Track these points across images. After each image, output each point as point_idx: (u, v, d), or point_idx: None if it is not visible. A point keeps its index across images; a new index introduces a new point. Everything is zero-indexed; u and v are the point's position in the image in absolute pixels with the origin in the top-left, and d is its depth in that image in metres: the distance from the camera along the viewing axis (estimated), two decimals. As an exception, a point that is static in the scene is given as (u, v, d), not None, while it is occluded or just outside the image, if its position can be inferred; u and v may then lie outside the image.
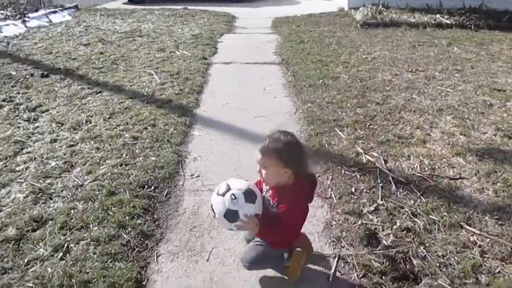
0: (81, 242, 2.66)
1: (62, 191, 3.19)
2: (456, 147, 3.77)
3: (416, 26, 9.08)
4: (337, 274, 2.43)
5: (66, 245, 2.63)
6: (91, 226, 2.80)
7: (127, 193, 3.14)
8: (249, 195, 2.11)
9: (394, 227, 2.77)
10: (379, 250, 2.56)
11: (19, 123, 4.33)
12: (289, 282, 2.36)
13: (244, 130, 4.27)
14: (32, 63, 6.34)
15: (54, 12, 10.95)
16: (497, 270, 2.40)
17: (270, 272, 2.40)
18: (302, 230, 2.73)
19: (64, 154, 3.70)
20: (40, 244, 2.65)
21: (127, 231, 2.76)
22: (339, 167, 3.50)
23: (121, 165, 3.54)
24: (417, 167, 3.48)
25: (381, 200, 3.05)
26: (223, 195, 2.11)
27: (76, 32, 8.65)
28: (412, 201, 3.04)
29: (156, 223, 2.90)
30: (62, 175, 3.41)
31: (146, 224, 2.86)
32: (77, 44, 7.59)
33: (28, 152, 3.75)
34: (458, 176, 3.35)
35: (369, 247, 2.59)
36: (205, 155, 3.79)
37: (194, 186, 3.32)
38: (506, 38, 8.13)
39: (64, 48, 7.27)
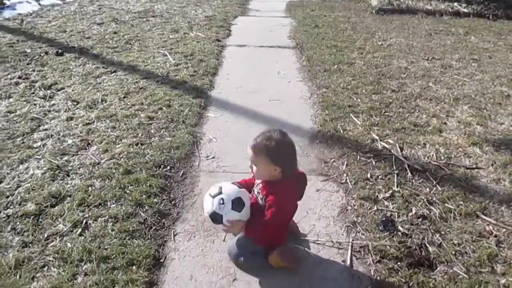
0: (99, 219, 2.70)
1: (79, 168, 3.22)
2: (473, 137, 3.75)
3: (432, 14, 8.93)
4: (353, 258, 2.45)
5: (84, 221, 2.67)
6: (108, 203, 2.84)
7: (144, 172, 3.17)
8: (237, 203, 2.19)
9: (410, 214, 2.77)
10: (395, 236, 2.57)
11: (35, 100, 4.35)
12: (304, 265, 2.39)
13: (259, 113, 4.27)
14: (46, 41, 6.33)
15: (67, -10, 10.87)
16: (513, 260, 2.41)
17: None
18: (316, 214, 2.77)
19: (81, 132, 3.73)
20: (59, 219, 2.69)
21: (144, 210, 2.79)
22: (355, 153, 3.50)
23: (137, 144, 3.56)
24: (433, 155, 3.47)
25: (397, 187, 3.05)
26: (213, 197, 2.21)
27: (89, 11, 8.61)
28: (427, 189, 3.04)
29: (172, 202, 2.93)
30: (79, 152, 3.44)
31: (162, 203, 2.89)
32: (91, 23, 7.56)
33: (45, 129, 3.78)
34: (474, 166, 3.33)
35: (385, 232, 2.59)
36: (220, 137, 3.80)
37: (210, 168, 3.34)
38: (525, 28, 7.99)
39: (77, 26, 7.25)
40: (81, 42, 6.35)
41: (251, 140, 2.21)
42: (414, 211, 2.79)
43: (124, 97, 4.47)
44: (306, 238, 2.59)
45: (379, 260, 2.41)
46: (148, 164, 3.27)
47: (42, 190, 2.95)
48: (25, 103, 4.28)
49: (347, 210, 2.85)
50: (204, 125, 4.03)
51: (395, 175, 3.19)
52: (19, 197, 2.88)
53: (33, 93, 4.53)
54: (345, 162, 3.38)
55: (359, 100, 4.53)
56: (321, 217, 2.79)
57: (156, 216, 2.76)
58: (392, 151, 3.51)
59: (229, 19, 8.39)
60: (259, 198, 2.28)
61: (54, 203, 2.84)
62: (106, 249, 2.45)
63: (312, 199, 2.96)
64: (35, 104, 4.25)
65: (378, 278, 2.30)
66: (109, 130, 3.78)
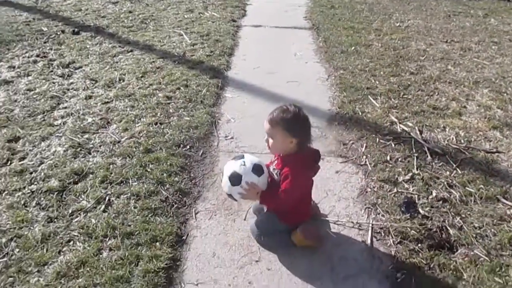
0: (122, 196, 2.74)
1: (100, 146, 3.26)
2: (493, 121, 3.71)
3: (451, -5, 8.75)
4: (373, 239, 2.46)
5: (107, 198, 2.71)
6: (130, 181, 2.87)
7: (164, 151, 3.19)
8: (257, 168, 2.26)
9: (430, 197, 2.77)
10: (416, 218, 2.57)
11: (54, 78, 4.38)
12: (325, 245, 2.42)
13: (276, 94, 4.25)
14: (62, 20, 6.32)
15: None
16: (534, 244, 2.41)
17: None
18: (336, 195, 2.78)
19: (100, 111, 3.76)
20: (83, 196, 2.74)
21: (165, 188, 2.82)
22: (374, 135, 3.48)
23: (156, 123, 3.58)
24: (452, 138, 3.45)
25: (417, 169, 3.05)
26: (235, 159, 2.31)
27: (103, -11, 8.56)
28: (448, 172, 3.03)
29: (193, 181, 2.95)
30: (99, 131, 3.47)
31: (183, 182, 2.92)
32: (106, 2, 7.51)
33: (65, 108, 3.81)
34: (494, 150, 3.31)
35: (406, 214, 2.60)
36: (238, 117, 3.80)
37: (229, 148, 3.35)
38: (546, 10, 7.81)
39: (93, 5, 7.22)
40: (96, 21, 6.34)
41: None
42: (434, 194, 2.79)
43: (142, 77, 4.48)
44: (327, 218, 2.61)
45: (400, 241, 2.43)
46: (167, 143, 3.29)
47: (65, 167, 2.99)
48: (44, 81, 4.30)
49: (366, 192, 2.86)
50: (222, 105, 4.03)
51: (415, 158, 3.18)
52: (42, 173, 2.93)
53: (52, 71, 4.55)
54: (364, 144, 3.37)
55: (377, 82, 4.49)
56: (341, 198, 2.80)
57: (177, 194, 2.79)
58: (411, 134, 3.50)
59: (244, -1, 8.29)
60: (274, 174, 2.32)
61: (76, 180, 2.88)
62: (130, 225, 2.49)
63: (331, 181, 2.97)
64: (54, 83, 4.28)
65: (399, 259, 2.31)
66: (128, 109, 3.80)
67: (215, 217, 2.63)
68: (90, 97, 4.01)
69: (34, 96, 3.98)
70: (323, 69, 4.94)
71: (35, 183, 2.84)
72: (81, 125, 3.51)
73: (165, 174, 2.94)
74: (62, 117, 3.65)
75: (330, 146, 3.37)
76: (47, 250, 2.32)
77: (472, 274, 2.20)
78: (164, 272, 2.20)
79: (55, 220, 2.54)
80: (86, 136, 3.38)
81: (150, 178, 2.89)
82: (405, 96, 4.19)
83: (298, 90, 4.38)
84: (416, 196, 2.78)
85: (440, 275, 2.20)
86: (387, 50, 5.46)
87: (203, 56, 5.08)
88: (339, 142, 3.43)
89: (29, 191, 2.76)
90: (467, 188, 2.86)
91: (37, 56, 4.91)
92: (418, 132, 3.51)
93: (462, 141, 3.42)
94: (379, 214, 2.65)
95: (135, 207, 2.64)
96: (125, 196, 2.74)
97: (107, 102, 3.92)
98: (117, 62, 4.85)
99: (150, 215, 2.58)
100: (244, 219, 2.61)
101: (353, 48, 5.48)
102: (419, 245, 2.39)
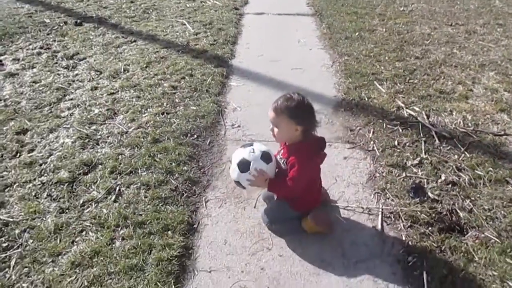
0: (132, 186, 2.75)
1: (108, 137, 3.27)
2: (500, 103, 3.70)
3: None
4: (384, 224, 2.47)
5: (117, 188, 2.73)
6: (139, 171, 2.88)
7: (171, 140, 3.20)
8: (266, 156, 2.27)
9: (439, 180, 2.78)
10: (425, 202, 2.58)
11: (59, 70, 4.37)
12: (336, 231, 2.43)
13: (282, 82, 4.24)
14: (64, 11, 6.30)
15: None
16: (545, 225, 2.42)
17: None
18: (345, 181, 2.78)
19: (106, 102, 3.76)
20: (93, 187, 2.75)
21: (174, 177, 2.84)
22: (381, 121, 3.48)
23: (162, 113, 3.58)
24: (460, 122, 3.44)
25: (425, 154, 3.05)
26: (244, 146, 2.33)
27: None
28: (456, 156, 3.03)
29: (201, 170, 2.96)
30: (106, 122, 3.47)
31: (192, 171, 2.93)
32: (107, -8, 7.49)
33: (71, 99, 3.81)
34: (502, 133, 3.30)
35: (415, 199, 2.61)
36: (244, 106, 3.80)
37: (236, 136, 3.36)
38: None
39: (94, -4, 7.19)
40: (98, 11, 6.31)
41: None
42: (443, 178, 2.79)
43: (146, 67, 4.47)
44: (337, 204, 2.62)
45: (410, 225, 2.44)
46: (175, 133, 3.30)
47: (74, 158, 3.00)
48: (49, 73, 4.30)
49: (375, 177, 2.86)
50: (227, 94, 4.02)
51: (423, 142, 3.18)
52: (52, 165, 2.94)
53: (56, 63, 4.54)
54: (371, 130, 3.37)
55: (382, 67, 4.47)
56: (350, 184, 2.81)
57: (186, 183, 2.80)
58: (418, 118, 3.49)
59: (246, -14, 8.22)
60: (281, 163, 2.33)
61: (86, 170, 2.90)
62: (141, 215, 2.51)
63: (340, 167, 2.97)
64: (59, 74, 4.28)
65: (410, 243, 2.33)
66: (134, 100, 3.80)
67: (225, 205, 2.65)
68: (96, 88, 4.01)
69: (40, 88, 3.98)
70: (327, 56, 4.91)
71: (45, 174, 2.86)
72: (88, 116, 3.52)
73: (173, 164, 2.95)
74: (69, 108, 3.66)
75: (337, 132, 3.37)
76: (60, 241, 2.34)
77: (483, 256, 2.21)
78: (177, 260, 2.22)
79: (67, 211, 2.56)
80: (94, 127, 3.39)
81: (159, 168, 2.90)
82: (411, 80, 4.17)
83: (303, 77, 4.37)
84: (425, 180, 2.79)
85: (451, 258, 2.21)
86: (391, 35, 5.43)
87: (207, 45, 5.06)
88: (346, 128, 3.42)
89: (39, 182, 2.78)
90: (476, 171, 2.86)
91: (41, 48, 4.90)
92: (425, 117, 3.50)
93: (470, 124, 3.41)
94: (388, 199, 2.66)
95: (145, 197, 2.65)
96: (135, 186, 2.75)
97: (113, 93, 3.92)
98: (121, 53, 4.84)
99: (160, 204, 2.60)
100: (254, 207, 2.62)
101: (357, 33, 5.45)
102: (430, 228, 2.40)
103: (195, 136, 3.31)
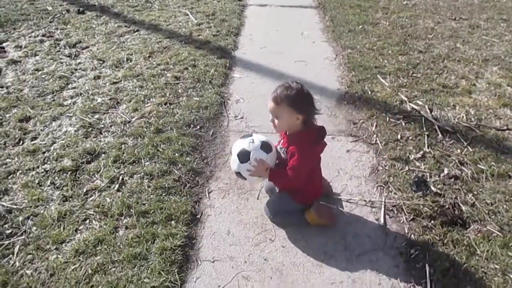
0: (135, 175, 2.76)
1: (111, 126, 3.27)
2: (503, 98, 3.70)
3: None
4: (386, 217, 2.48)
5: (121, 177, 2.73)
6: (143, 161, 2.88)
7: (174, 131, 3.20)
8: (265, 146, 2.27)
9: (442, 174, 2.78)
10: (428, 195, 2.59)
11: (61, 58, 4.36)
12: (339, 223, 2.44)
13: (285, 74, 4.23)
14: (66, -1, 6.28)
15: None
16: (546, 220, 2.43)
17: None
18: (348, 174, 2.79)
19: (109, 91, 3.75)
20: (96, 175, 2.76)
21: (177, 167, 2.84)
22: (384, 114, 3.48)
23: (165, 103, 3.58)
24: (463, 117, 3.44)
25: (428, 148, 3.05)
26: (244, 138, 2.32)
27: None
28: (459, 150, 3.04)
29: (204, 161, 2.96)
30: (109, 111, 3.47)
31: (195, 161, 2.93)
32: (109, -19, 7.44)
33: (74, 88, 3.81)
34: (505, 128, 3.30)
35: (418, 192, 2.62)
36: (247, 98, 3.80)
37: (239, 127, 3.36)
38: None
39: (96, -16, 7.15)
40: (101, 0, 6.27)
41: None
42: (446, 172, 2.80)
43: (149, 57, 4.46)
44: (339, 197, 2.62)
45: (413, 218, 2.45)
46: (178, 123, 3.30)
47: (77, 146, 3.00)
48: (51, 61, 4.29)
49: (378, 170, 2.87)
50: (230, 86, 4.02)
51: (426, 136, 3.18)
52: (55, 153, 2.94)
53: (59, 51, 4.53)
54: (374, 123, 3.37)
55: (385, 61, 4.46)
56: (353, 177, 2.82)
57: (190, 174, 2.80)
58: (421, 112, 3.49)
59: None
60: (281, 152, 2.33)
61: (89, 159, 2.90)
62: (144, 204, 2.52)
63: (342, 160, 2.98)
64: (61, 62, 4.26)
65: (413, 236, 2.34)
66: (137, 89, 3.79)
67: (228, 196, 2.65)
68: (99, 77, 4.00)
69: (43, 76, 3.97)
70: (330, 49, 4.90)
71: (48, 162, 2.86)
72: (91, 105, 3.51)
73: (177, 154, 2.95)
74: (72, 97, 3.65)
75: (340, 126, 3.37)
76: (64, 228, 2.35)
77: (485, 249, 2.22)
78: (181, 250, 2.23)
79: (70, 199, 2.56)
80: (97, 116, 3.39)
81: (162, 158, 2.90)
82: (414, 74, 4.16)
83: (306, 69, 4.36)
84: (427, 174, 2.79)
85: (453, 251, 2.22)
86: (394, 28, 5.41)
87: (210, 36, 5.04)
88: (349, 122, 3.42)
89: (42, 170, 2.78)
90: (478, 165, 2.86)
91: (43, 35, 4.88)
92: (428, 111, 3.50)
93: (473, 119, 3.42)
94: (391, 192, 2.66)
95: (148, 186, 2.66)
96: (139, 175, 2.75)
97: (116, 82, 3.91)
98: (123, 42, 4.82)
99: (164, 194, 2.60)
100: (257, 198, 2.63)
101: (360, 26, 5.44)
102: (432, 222, 2.41)
103: (198, 127, 3.31)
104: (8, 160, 2.88)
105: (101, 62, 4.30)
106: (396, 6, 6.38)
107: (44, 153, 2.95)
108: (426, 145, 3.08)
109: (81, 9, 5.73)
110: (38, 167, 2.82)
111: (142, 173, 2.77)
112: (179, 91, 3.80)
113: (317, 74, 4.21)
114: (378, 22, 5.63)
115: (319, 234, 2.36)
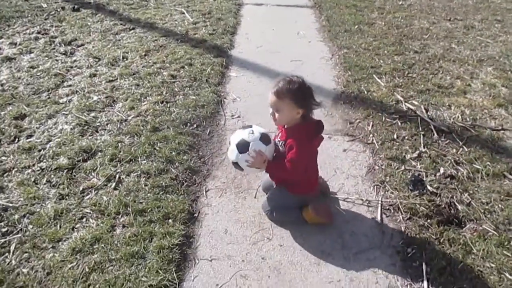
0: (132, 174, 2.75)
1: (107, 124, 3.25)
2: (498, 99, 3.73)
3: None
4: (383, 216, 2.50)
5: (117, 176, 2.72)
6: (139, 159, 2.88)
7: (171, 129, 3.19)
8: (265, 137, 2.28)
9: (438, 174, 2.80)
10: (424, 195, 2.61)
11: (57, 56, 4.34)
12: (335, 222, 2.45)
13: (281, 73, 4.19)
14: (61, -4, 6.23)
15: None
16: (541, 220, 2.45)
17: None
18: (344, 173, 2.80)
19: (105, 89, 3.73)
20: (93, 174, 2.74)
21: (174, 166, 2.83)
22: (380, 114, 3.49)
23: (162, 102, 3.57)
24: (458, 117, 3.46)
25: (424, 147, 3.07)
26: (243, 129, 2.33)
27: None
28: (454, 150, 3.06)
29: (201, 160, 2.96)
30: (105, 109, 3.46)
31: (192, 160, 2.92)
32: (104, -22, 7.40)
33: (69, 86, 3.79)
34: (500, 128, 3.33)
35: (414, 192, 2.63)
36: (244, 97, 3.80)
37: (236, 126, 3.35)
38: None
39: (91, -18, 7.11)
40: (96, -2, 6.25)
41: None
42: (442, 171, 2.82)
43: (145, 55, 4.44)
44: (336, 196, 2.63)
45: (409, 217, 2.46)
46: (175, 122, 3.29)
47: (73, 145, 2.99)
48: (46, 58, 4.26)
49: (374, 170, 2.88)
50: (227, 84, 4.01)
51: (421, 136, 3.20)
52: (51, 151, 2.93)
53: (54, 49, 4.50)
54: (371, 123, 3.38)
55: (381, 61, 4.48)
56: (350, 176, 2.82)
57: (187, 172, 2.80)
58: (417, 112, 3.51)
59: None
60: (279, 145, 2.32)
61: (86, 157, 2.89)
62: (141, 203, 2.51)
63: (339, 159, 2.98)
64: (57, 60, 4.24)
65: (409, 234, 2.35)
66: (133, 88, 3.78)
67: (226, 195, 2.65)
68: (94, 75, 3.98)
69: (38, 74, 3.95)
70: (326, 48, 4.91)
71: (44, 160, 2.85)
72: (87, 103, 3.50)
73: (173, 153, 2.94)
74: (67, 95, 3.63)
75: (337, 125, 3.38)
76: (60, 227, 2.34)
77: (481, 248, 2.24)
78: (178, 249, 2.22)
79: (67, 197, 2.55)
80: (93, 114, 3.37)
81: (159, 157, 2.89)
82: (409, 75, 4.18)
83: (302, 69, 4.36)
84: (424, 173, 2.81)
85: (450, 250, 2.24)
86: (390, 28, 5.43)
87: (206, 35, 5.03)
88: (346, 121, 3.43)
89: (38, 168, 2.77)
90: (474, 165, 2.89)
91: (38, 33, 4.85)
92: (424, 111, 3.52)
93: (468, 119, 3.44)
94: (387, 191, 2.68)
95: (145, 185, 2.65)
96: (135, 174, 2.75)
97: (112, 81, 3.89)
98: (119, 40, 4.80)
99: (161, 192, 2.59)
100: (255, 197, 2.63)
101: (356, 26, 5.45)
102: (429, 221, 2.43)
103: (195, 125, 3.31)
104: (3, 158, 2.86)
105: (96, 60, 4.28)
106: (392, 6, 6.40)
107: (40, 151, 2.93)
108: (422, 144, 3.10)
109: (76, 6, 5.70)
110: (34, 165, 2.80)
111: (139, 172, 2.76)
112: (176, 89, 3.79)
113: (313, 74, 4.22)
114: (374, 22, 5.65)
115: (317, 233, 2.37)
